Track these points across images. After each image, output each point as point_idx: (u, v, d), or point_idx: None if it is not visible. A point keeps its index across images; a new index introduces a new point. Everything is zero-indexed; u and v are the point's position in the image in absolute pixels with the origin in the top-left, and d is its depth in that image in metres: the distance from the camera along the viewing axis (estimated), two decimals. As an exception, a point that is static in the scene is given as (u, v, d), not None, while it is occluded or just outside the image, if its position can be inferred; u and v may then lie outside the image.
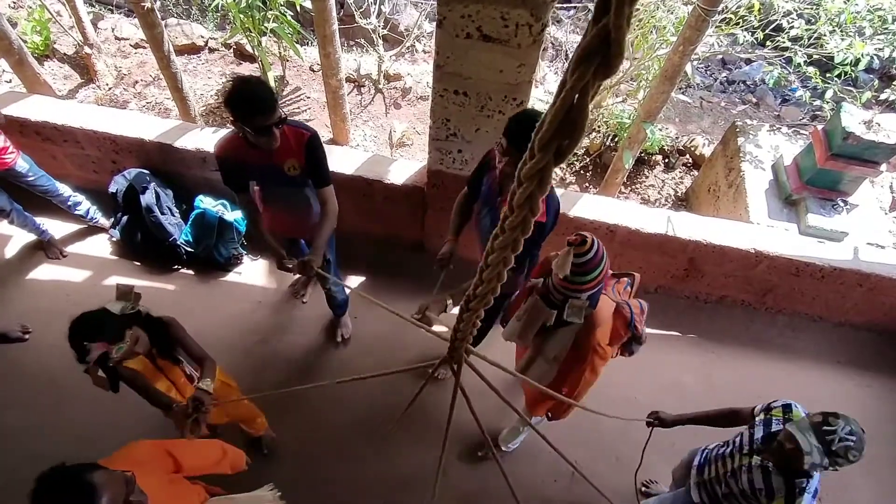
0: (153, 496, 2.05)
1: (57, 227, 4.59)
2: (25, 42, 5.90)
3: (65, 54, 6.96)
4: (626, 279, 3.05)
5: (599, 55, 0.65)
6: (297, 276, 4.46)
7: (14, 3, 7.44)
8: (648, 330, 4.44)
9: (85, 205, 4.51)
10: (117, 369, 2.62)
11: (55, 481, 1.86)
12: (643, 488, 3.78)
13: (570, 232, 4.08)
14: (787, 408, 2.54)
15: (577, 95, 0.69)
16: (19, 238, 4.55)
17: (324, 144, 3.07)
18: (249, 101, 2.61)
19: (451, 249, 3.24)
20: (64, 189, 4.35)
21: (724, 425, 2.83)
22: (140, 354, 2.65)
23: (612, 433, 3.89)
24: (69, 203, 4.41)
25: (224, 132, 4.37)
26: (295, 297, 4.50)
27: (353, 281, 4.62)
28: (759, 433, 2.53)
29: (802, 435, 2.19)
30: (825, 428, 2.19)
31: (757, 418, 2.60)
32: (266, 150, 2.86)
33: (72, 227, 4.67)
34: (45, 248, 4.50)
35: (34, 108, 4.34)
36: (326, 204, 3.17)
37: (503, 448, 3.84)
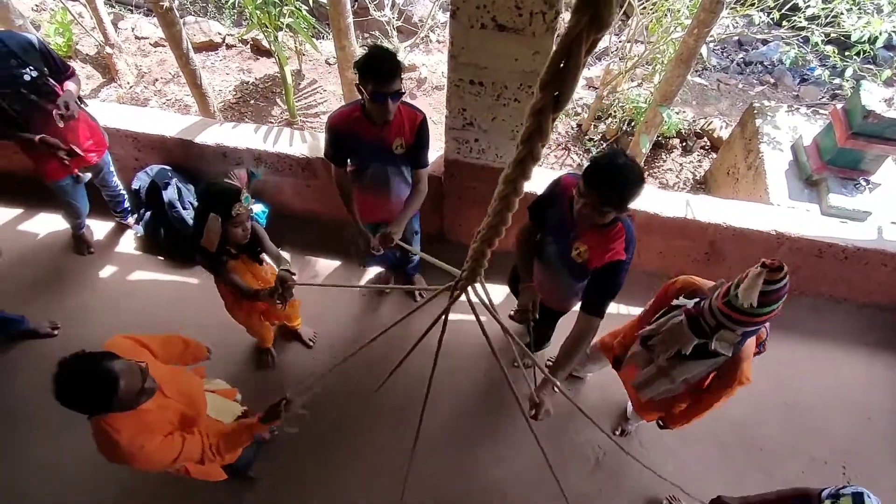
0: (160, 379, 2.26)
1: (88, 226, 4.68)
2: (49, 44, 6.01)
3: (87, 55, 7.07)
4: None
5: (590, 6, 0.71)
6: (377, 274, 4.64)
7: (37, 6, 7.57)
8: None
9: (126, 203, 4.65)
10: (221, 259, 2.96)
11: (79, 367, 2.02)
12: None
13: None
14: (857, 498, 2.33)
15: (571, 44, 0.75)
16: (45, 236, 4.66)
17: (428, 129, 3.21)
18: (374, 62, 2.70)
19: (532, 298, 2.91)
20: (120, 185, 4.51)
21: None
22: (242, 235, 2.94)
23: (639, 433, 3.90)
24: (118, 199, 4.56)
25: (251, 127, 4.45)
26: (380, 294, 4.58)
27: (371, 272, 4.66)
28: None
29: None
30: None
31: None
32: (380, 125, 2.98)
33: (98, 225, 4.75)
34: (74, 243, 4.59)
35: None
36: (419, 183, 3.33)
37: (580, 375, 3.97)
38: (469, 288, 1.40)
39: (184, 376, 2.64)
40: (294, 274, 3.06)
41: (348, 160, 3.25)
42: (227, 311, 3.46)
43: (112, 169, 4.34)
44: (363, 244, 3.44)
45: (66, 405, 2.02)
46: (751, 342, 2.55)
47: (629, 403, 3.73)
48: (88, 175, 4.16)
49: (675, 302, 2.65)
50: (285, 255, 3.23)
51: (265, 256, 3.28)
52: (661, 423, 3.16)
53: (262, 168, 2.83)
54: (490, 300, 1.50)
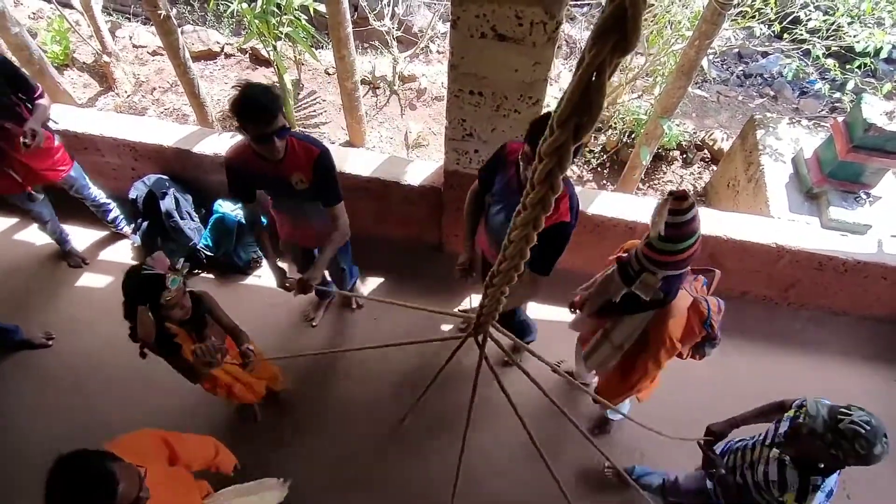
0: (154, 487, 2.06)
1: (78, 234, 4.65)
2: (45, 52, 5.99)
3: (84, 63, 7.05)
4: (702, 277, 2.91)
5: (616, 32, 0.65)
6: (308, 301, 4.45)
7: (34, 14, 7.55)
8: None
9: (115, 211, 4.60)
10: (161, 338, 2.70)
11: (75, 466, 1.91)
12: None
13: (588, 231, 4.08)
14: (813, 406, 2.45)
15: (594, 73, 0.70)
16: (41, 247, 4.61)
17: (334, 159, 3.02)
18: (247, 107, 2.56)
19: (470, 256, 3.20)
20: (100, 194, 4.42)
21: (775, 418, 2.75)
22: (181, 314, 2.73)
23: (637, 431, 3.86)
24: (103, 209, 4.49)
25: (238, 138, 4.42)
26: (306, 321, 4.41)
27: (372, 283, 4.62)
28: (783, 427, 2.50)
29: (816, 405, 2.20)
30: (842, 409, 2.19)
31: (787, 413, 2.55)
32: (272, 161, 2.82)
33: (93, 234, 4.72)
34: (66, 257, 4.55)
35: (55, 117, 4.37)
36: (336, 221, 3.12)
37: (612, 417, 3.88)
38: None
39: (183, 490, 2.47)
40: (253, 352, 2.95)
41: (255, 194, 3.08)
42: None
43: (86, 182, 4.27)
44: (278, 280, 3.33)
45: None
46: (681, 303, 2.60)
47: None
48: (41, 196, 4.11)
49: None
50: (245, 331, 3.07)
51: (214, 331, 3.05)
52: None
53: (181, 275, 2.54)
54: (504, 350, 1.50)
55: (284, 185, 2.94)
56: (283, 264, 3.34)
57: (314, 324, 4.37)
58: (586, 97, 0.72)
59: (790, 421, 2.45)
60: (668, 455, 3.53)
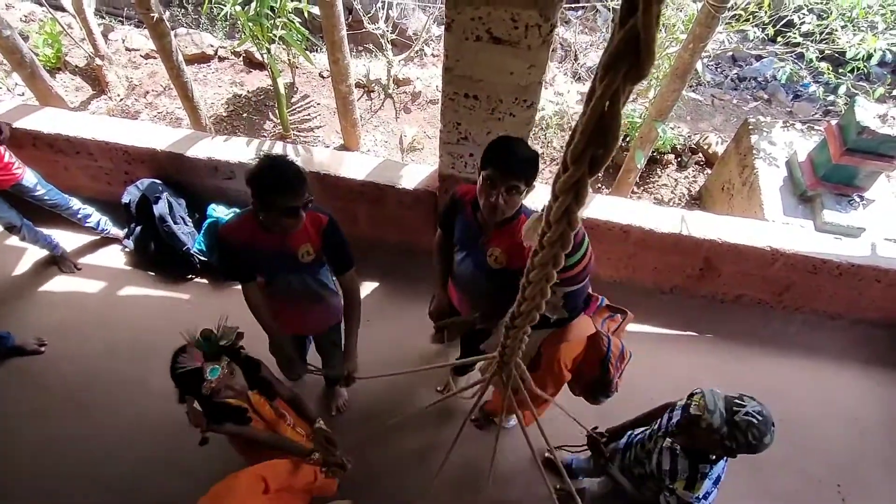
0: None
1: (71, 240, 4.62)
2: (37, 55, 5.95)
3: (76, 66, 7.02)
4: (619, 317, 2.87)
5: (628, 59, 0.62)
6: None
7: (25, 16, 7.51)
8: (664, 330, 4.43)
9: (95, 216, 4.52)
10: (221, 410, 2.49)
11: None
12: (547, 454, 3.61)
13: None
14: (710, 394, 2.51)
15: (607, 103, 0.67)
16: (33, 252, 4.57)
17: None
18: (280, 180, 2.40)
19: (445, 304, 3.06)
20: (73, 202, 4.36)
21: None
22: (234, 394, 2.54)
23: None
24: (79, 216, 4.42)
25: (243, 140, 4.39)
26: (337, 412, 4.01)
27: (367, 287, 4.60)
28: (676, 417, 2.54)
29: (713, 398, 2.23)
30: (736, 401, 2.23)
31: (679, 402, 2.59)
32: (280, 235, 2.64)
33: (85, 239, 4.69)
34: (58, 263, 4.51)
35: (46, 121, 4.36)
36: (349, 291, 2.96)
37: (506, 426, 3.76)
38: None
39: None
40: (329, 434, 2.74)
41: (254, 274, 2.88)
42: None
43: (40, 191, 4.12)
44: (295, 371, 3.22)
45: None
46: (580, 329, 2.59)
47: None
48: None
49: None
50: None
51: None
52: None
53: (221, 365, 2.40)
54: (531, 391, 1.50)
55: (290, 259, 2.75)
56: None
57: (342, 411, 4.04)
58: (601, 128, 0.69)
59: (682, 410, 2.45)
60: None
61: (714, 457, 2.35)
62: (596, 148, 0.72)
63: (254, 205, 2.51)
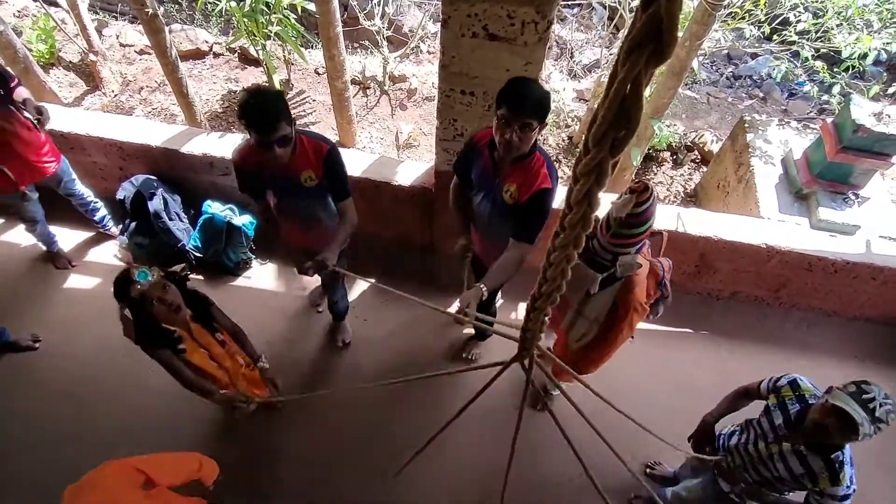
0: None
1: (65, 235, 4.59)
2: (31, 51, 5.93)
3: (70, 62, 6.99)
4: (646, 241, 3.00)
5: (651, 43, 0.63)
6: (315, 286, 4.48)
7: (19, 11, 7.48)
8: (660, 327, 4.44)
9: (102, 211, 4.53)
10: (155, 332, 2.63)
11: None
12: (648, 469, 3.75)
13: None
14: (793, 384, 2.57)
15: (629, 86, 0.68)
16: (27, 248, 4.55)
17: (341, 159, 3.02)
18: (251, 113, 2.56)
19: (467, 244, 3.24)
20: (88, 193, 4.38)
21: (744, 405, 2.88)
22: (173, 308, 2.63)
23: (629, 431, 3.86)
24: (90, 207, 4.43)
25: (239, 137, 4.38)
26: (312, 307, 4.46)
27: (363, 283, 4.59)
28: (778, 419, 2.52)
29: (851, 407, 2.17)
30: (864, 396, 2.19)
31: (769, 402, 2.60)
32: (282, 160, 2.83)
33: (80, 235, 4.67)
34: (52, 259, 4.49)
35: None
36: (345, 215, 3.15)
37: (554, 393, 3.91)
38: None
39: None
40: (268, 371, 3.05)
41: (265, 193, 3.12)
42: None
43: (73, 177, 4.23)
44: (297, 268, 3.29)
45: None
46: (641, 271, 2.67)
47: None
48: (35, 195, 4.06)
49: None
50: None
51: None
52: (576, 370, 3.22)
53: (148, 269, 2.51)
54: (550, 376, 1.50)
55: (294, 184, 2.97)
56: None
57: (319, 310, 4.42)
58: (623, 111, 0.70)
59: (780, 411, 2.50)
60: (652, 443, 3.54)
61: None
62: (617, 131, 0.73)
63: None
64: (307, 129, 6.09)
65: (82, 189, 4.33)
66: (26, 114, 3.55)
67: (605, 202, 3.94)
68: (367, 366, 4.17)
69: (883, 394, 2.17)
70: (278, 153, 2.70)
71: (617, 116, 0.71)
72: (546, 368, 1.59)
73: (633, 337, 3.16)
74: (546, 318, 1.22)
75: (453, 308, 4.39)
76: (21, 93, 3.63)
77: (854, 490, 2.35)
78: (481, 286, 2.67)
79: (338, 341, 4.26)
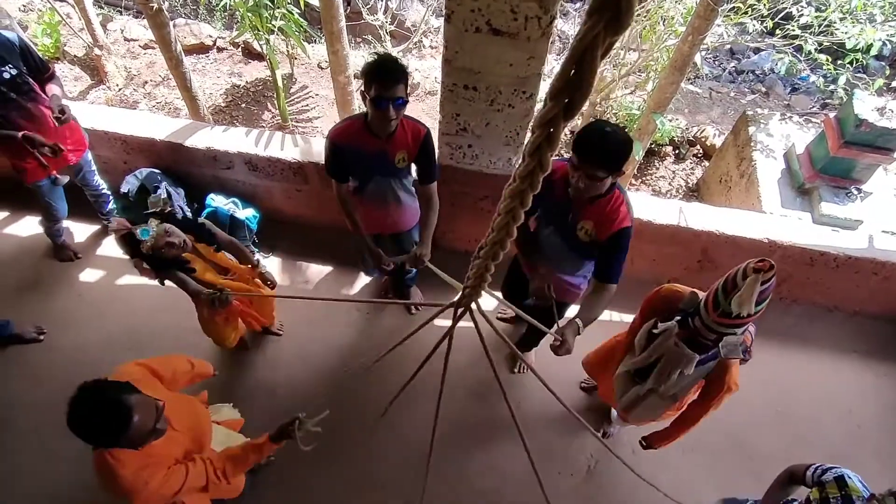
0: (170, 412, 2.20)
1: (71, 228, 4.62)
2: (36, 45, 5.95)
3: (75, 56, 7.01)
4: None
5: (609, 8, 0.65)
6: (383, 279, 4.53)
7: (24, 6, 7.50)
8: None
9: (112, 203, 4.55)
10: (168, 262, 2.94)
11: (96, 396, 2.01)
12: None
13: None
14: (840, 481, 2.45)
15: (585, 49, 0.70)
16: (32, 240, 4.58)
17: (433, 143, 3.15)
18: (378, 66, 2.70)
19: (547, 281, 3.05)
20: (102, 184, 4.41)
21: (792, 492, 2.78)
22: (175, 251, 2.89)
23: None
24: (102, 199, 4.46)
25: (242, 131, 4.40)
26: (410, 314, 4.48)
27: (364, 278, 4.60)
28: None
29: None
30: None
31: (811, 496, 2.49)
32: (383, 137, 2.95)
33: (85, 228, 4.69)
34: (56, 252, 4.51)
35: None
36: (431, 199, 3.31)
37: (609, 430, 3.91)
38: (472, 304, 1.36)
39: (193, 408, 2.60)
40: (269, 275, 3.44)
41: (349, 177, 3.22)
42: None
43: (93, 168, 4.26)
44: (372, 261, 3.44)
45: (75, 432, 2.01)
46: None
47: (613, 410, 3.80)
48: (66, 178, 4.08)
49: (656, 331, 2.61)
50: (259, 254, 3.26)
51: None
52: (643, 443, 3.14)
53: (150, 226, 2.83)
54: (489, 321, 1.49)
55: (388, 162, 3.08)
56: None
57: (413, 312, 4.48)
58: (578, 73, 0.73)
59: None
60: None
61: None
62: (572, 91, 0.75)
63: (364, 101, 2.83)
64: (294, 126, 6.10)
65: (99, 181, 4.36)
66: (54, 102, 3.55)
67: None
68: (372, 356, 4.17)
69: None
70: (392, 114, 2.78)
71: (573, 77, 0.74)
72: (495, 324, 1.58)
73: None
74: (493, 268, 1.21)
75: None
76: (52, 88, 3.64)
77: None
78: (578, 321, 2.63)
79: (410, 309, 4.43)
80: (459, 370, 4.02)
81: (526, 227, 3.07)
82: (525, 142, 0.90)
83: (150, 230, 2.77)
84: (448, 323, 1.43)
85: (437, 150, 3.73)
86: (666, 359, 2.58)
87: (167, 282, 3.03)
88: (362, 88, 2.80)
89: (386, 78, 2.69)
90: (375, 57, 2.74)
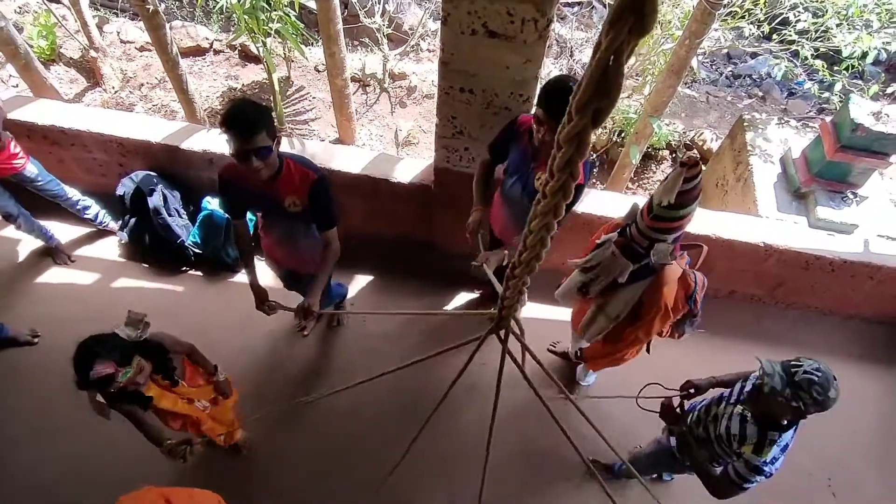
0: None
1: (65, 232, 4.60)
2: (31, 47, 5.94)
3: (71, 58, 6.99)
4: (686, 255, 2.91)
5: (633, 14, 0.65)
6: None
7: (20, 7, 7.48)
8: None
9: (94, 208, 4.52)
10: (123, 394, 2.58)
11: None
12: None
13: (577, 231, 4.09)
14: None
15: (612, 56, 0.70)
16: (27, 243, 4.55)
17: (324, 157, 3.04)
18: (229, 117, 2.45)
19: (480, 217, 3.16)
20: (73, 193, 4.35)
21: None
22: (137, 385, 2.58)
23: (623, 424, 3.88)
24: (78, 207, 4.41)
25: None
26: (299, 332, 4.32)
27: (362, 280, 4.60)
28: (748, 387, 2.61)
29: (770, 364, 2.34)
30: (793, 362, 2.33)
31: (753, 374, 2.67)
32: (266, 181, 2.71)
33: (80, 231, 4.67)
34: (52, 254, 4.50)
35: (41, 112, 4.34)
36: (329, 246, 3.03)
37: (582, 383, 4.09)
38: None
39: None
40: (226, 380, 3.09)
41: (246, 212, 3.04)
42: None
43: (51, 178, 4.17)
44: (257, 301, 3.22)
45: None
46: (672, 273, 2.68)
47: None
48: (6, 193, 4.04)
49: (599, 241, 2.79)
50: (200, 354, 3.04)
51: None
52: (577, 353, 3.39)
53: (131, 368, 2.50)
54: (524, 345, 1.50)
55: (277, 206, 2.86)
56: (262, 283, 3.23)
57: (305, 333, 4.31)
58: (604, 81, 0.72)
59: (754, 380, 2.58)
60: (638, 430, 3.56)
61: (785, 422, 2.40)
62: (599, 100, 0.74)
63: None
64: (291, 129, 6.08)
65: (65, 189, 4.30)
66: None
67: (610, 202, 3.93)
68: (367, 363, 4.17)
69: (815, 366, 2.28)
70: (255, 166, 2.53)
71: (599, 86, 0.73)
72: (524, 341, 1.59)
73: (648, 349, 3.17)
74: (525, 289, 1.22)
75: (454, 302, 4.42)
76: None
77: (770, 472, 2.43)
78: (505, 251, 2.74)
79: (333, 320, 4.28)
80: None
81: (489, 169, 3.20)
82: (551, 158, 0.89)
83: (130, 370, 2.49)
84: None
85: (434, 154, 3.74)
86: (602, 266, 2.71)
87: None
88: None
89: (242, 130, 2.44)
90: (229, 105, 2.49)
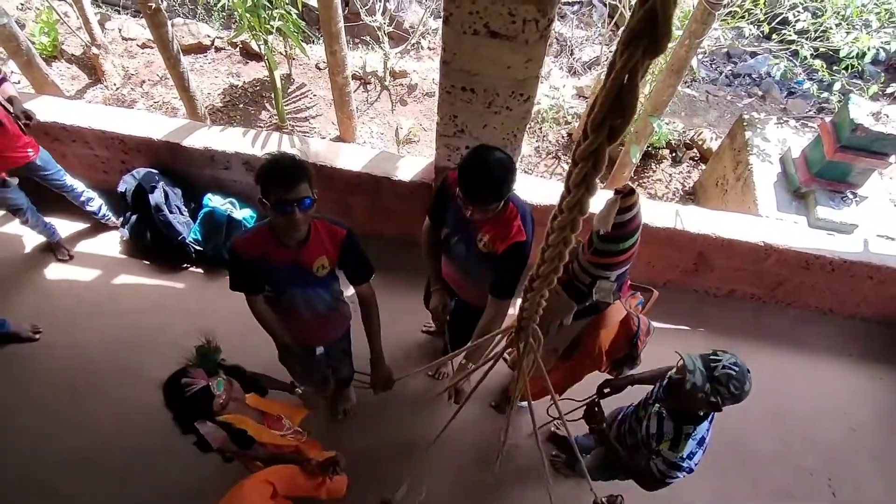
0: None
1: (66, 227, 4.61)
2: (33, 43, 5.94)
3: (72, 55, 6.99)
4: (639, 295, 2.98)
5: (647, 35, 0.67)
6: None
7: (22, 4, 7.48)
8: (656, 324, 4.45)
9: (97, 201, 4.53)
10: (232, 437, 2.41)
11: None
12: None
13: (584, 234, 4.11)
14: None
15: (626, 76, 0.71)
16: (29, 239, 4.57)
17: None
18: (273, 168, 2.33)
19: (442, 297, 3.14)
20: (77, 185, 4.36)
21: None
22: (235, 405, 2.41)
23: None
24: (82, 199, 4.42)
25: (239, 130, 4.39)
26: (337, 417, 3.96)
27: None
28: (664, 383, 2.62)
29: (691, 360, 2.33)
30: (711, 357, 2.34)
31: (669, 373, 2.62)
32: (294, 248, 2.56)
33: (81, 227, 4.68)
34: (54, 250, 4.51)
35: (42, 109, 4.34)
36: (370, 299, 2.91)
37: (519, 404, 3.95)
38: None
39: None
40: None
41: (265, 286, 2.76)
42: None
43: (58, 168, 4.19)
44: (299, 370, 3.19)
45: None
46: (614, 315, 2.68)
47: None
48: (15, 180, 4.01)
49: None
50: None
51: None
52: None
53: (223, 376, 2.35)
54: (538, 359, 1.53)
55: (304, 273, 2.66)
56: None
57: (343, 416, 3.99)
58: (619, 100, 0.74)
59: (669, 378, 2.55)
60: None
61: (702, 414, 2.41)
62: (614, 118, 0.76)
63: (264, 207, 2.40)
64: (292, 126, 6.08)
65: (72, 181, 4.32)
66: (5, 105, 3.59)
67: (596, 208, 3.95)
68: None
69: (732, 361, 2.30)
70: (297, 218, 2.37)
71: (614, 104, 0.75)
72: (538, 355, 1.61)
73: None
74: (543, 301, 1.24)
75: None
76: (7, 89, 3.69)
77: (689, 467, 2.44)
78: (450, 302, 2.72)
79: (338, 412, 3.91)
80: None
81: (434, 235, 3.05)
82: (567, 174, 0.90)
83: (223, 382, 2.34)
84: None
85: (435, 152, 3.75)
86: (548, 306, 2.64)
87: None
88: (259, 196, 2.37)
89: (286, 179, 2.32)
90: (266, 160, 2.36)
